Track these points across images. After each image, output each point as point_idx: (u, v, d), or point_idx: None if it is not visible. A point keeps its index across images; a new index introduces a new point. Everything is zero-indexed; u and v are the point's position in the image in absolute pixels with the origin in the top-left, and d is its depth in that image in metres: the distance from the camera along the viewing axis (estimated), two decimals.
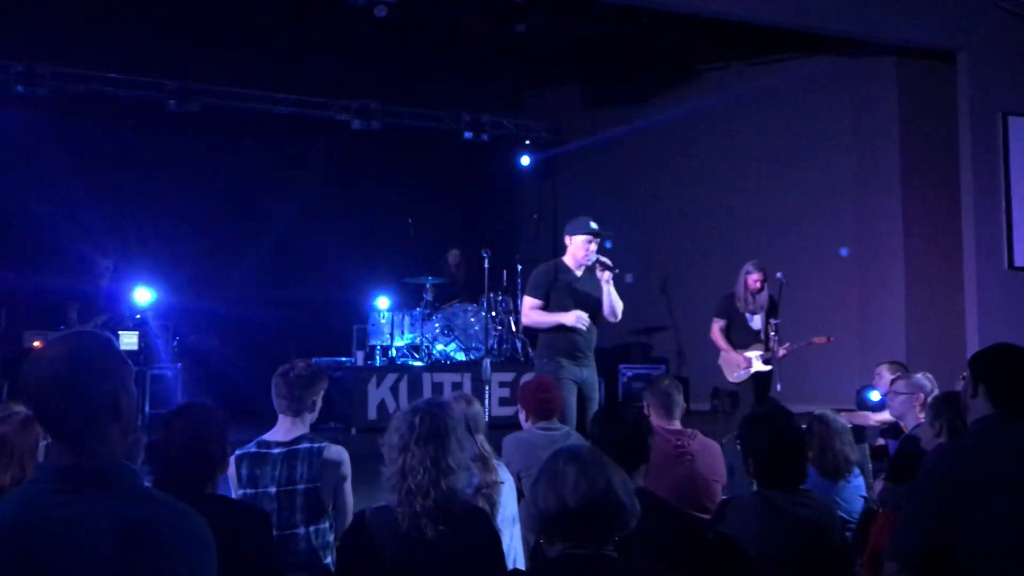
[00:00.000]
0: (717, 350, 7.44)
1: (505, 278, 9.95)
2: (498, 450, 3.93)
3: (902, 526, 2.63)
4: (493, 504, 3.48)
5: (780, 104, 10.20)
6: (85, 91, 10.05)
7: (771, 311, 7.36)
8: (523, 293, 9.44)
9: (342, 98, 11.19)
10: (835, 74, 10.09)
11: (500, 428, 5.42)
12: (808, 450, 3.26)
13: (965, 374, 2.88)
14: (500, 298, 9.54)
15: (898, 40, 9.27)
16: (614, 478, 2.16)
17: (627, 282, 6.05)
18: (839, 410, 4.40)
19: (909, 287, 9.53)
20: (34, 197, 9.04)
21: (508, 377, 8.71)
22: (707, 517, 3.48)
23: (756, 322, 7.39)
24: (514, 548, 3.53)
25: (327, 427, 7.87)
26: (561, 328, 5.53)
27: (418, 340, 9.25)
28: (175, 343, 8.97)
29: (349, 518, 3.49)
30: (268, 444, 3.47)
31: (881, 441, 5.74)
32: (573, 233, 5.68)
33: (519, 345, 9.41)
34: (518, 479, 3.83)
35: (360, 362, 8.93)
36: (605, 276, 5.53)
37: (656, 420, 3.89)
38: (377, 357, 9.05)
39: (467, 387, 8.37)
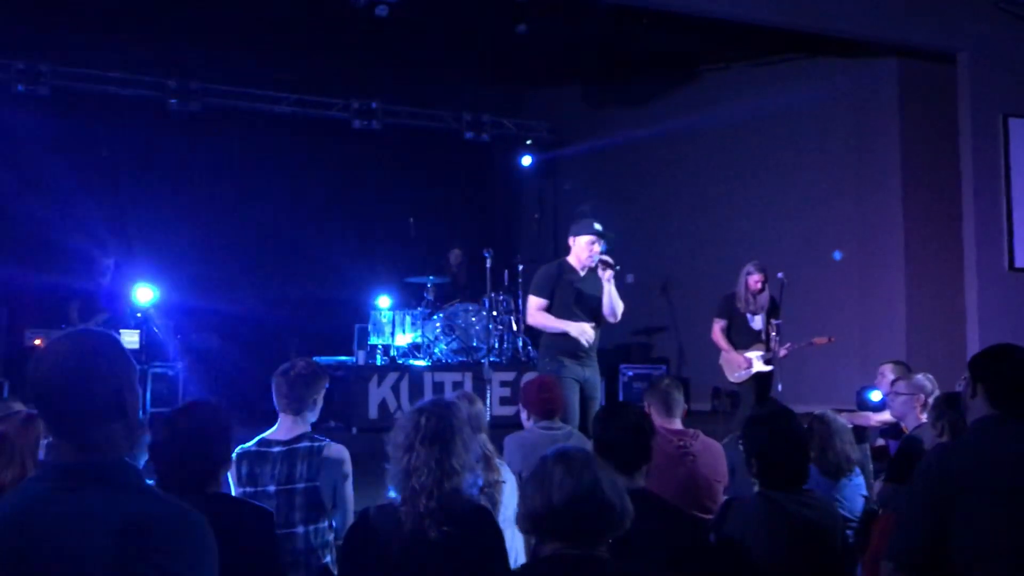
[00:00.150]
0: (718, 350, 7.44)
1: (506, 278, 9.95)
2: (499, 450, 3.94)
3: (899, 525, 2.63)
4: (495, 503, 3.48)
5: (781, 105, 10.19)
6: (86, 90, 10.05)
7: (772, 311, 7.37)
8: (524, 293, 9.51)
9: (343, 98, 11.19)
10: (836, 75, 10.09)
11: (501, 428, 5.43)
12: (809, 450, 3.26)
13: (967, 375, 2.88)
14: (501, 298, 9.54)
15: (899, 41, 9.26)
16: (602, 478, 2.16)
17: (628, 282, 6.06)
18: (840, 410, 4.40)
19: (910, 288, 9.53)
20: (36, 195, 9.04)
21: (509, 377, 8.72)
22: (709, 517, 3.49)
23: (757, 322, 7.39)
24: (516, 548, 3.53)
25: (328, 426, 7.87)
26: None
27: (419, 339, 9.25)
28: (177, 341, 8.98)
29: (350, 517, 3.49)
30: (268, 443, 3.47)
31: (881, 442, 5.75)
32: (577, 234, 5.74)
33: (520, 345, 9.41)
34: (519, 478, 3.84)
35: (361, 361, 8.93)
36: (607, 275, 5.58)
37: (657, 420, 3.89)
38: (378, 356, 9.04)
39: (468, 386, 8.37)
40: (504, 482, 3.59)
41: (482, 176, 12.22)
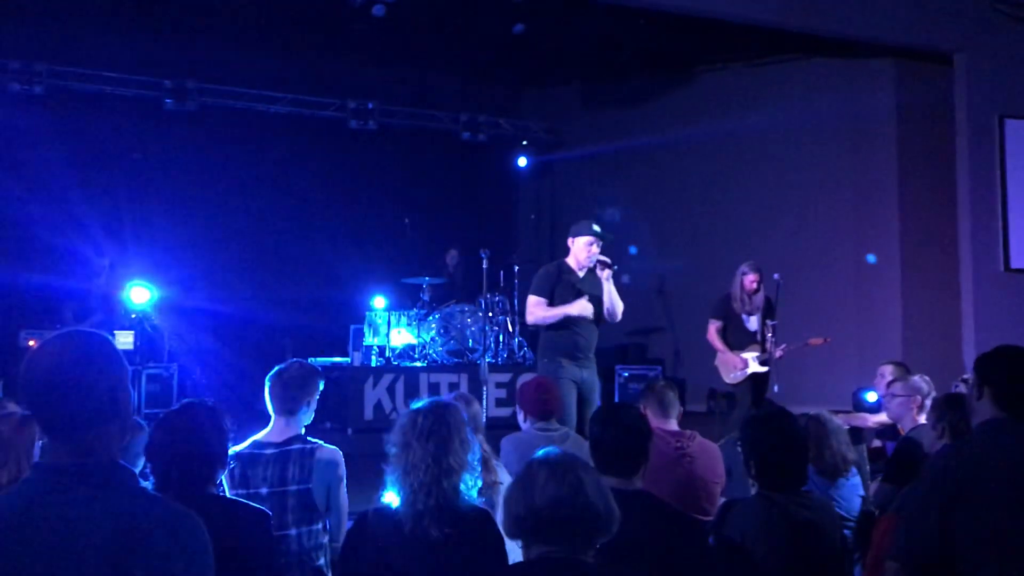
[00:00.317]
0: (714, 351, 7.44)
1: (502, 278, 9.94)
2: (495, 451, 3.93)
3: (905, 526, 2.62)
4: (493, 505, 3.47)
5: (778, 105, 10.21)
6: (82, 89, 10.03)
7: (767, 312, 7.36)
8: (520, 293, 9.51)
9: (340, 98, 11.18)
10: (833, 76, 10.10)
11: (496, 429, 5.43)
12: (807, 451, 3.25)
13: (967, 377, 2.88)
14: (497, 298, 9.53)
15: (896, 42, 9.28)
16: (586, 482, 2.15)
17: (623, 283, 6.09)
18: (836, 411, 4.40)
19: (906, 288, 9.55)
20: (30, 196, 9.02)
21: (505, 378, 8.71)
22: (706, 519, 3.48)
23: (752, 323, 7.39)
24: (516, 550, 3.52)
25: (323, 427, 7.86)
26: (562, 328, 5.64)
27: (415, 340, 9.24)
28: (171, 342, 8.96)
29: (343, 520, 3.48)
30: (261, 445, 3.45)
31: (878, 443, 5.75)
32: (576, 235, 5.81)
33: (516, 346, 9.40)
34: None
35: (357, 362, 8.92)
36: (605, 274, 5.65)
37: (653, 422, 3.87)
38: (374, 358, 9.03)
39: (464, 387, 8.35)
40: (501, 483, 3.58)
41: (478, 176, 12.21)
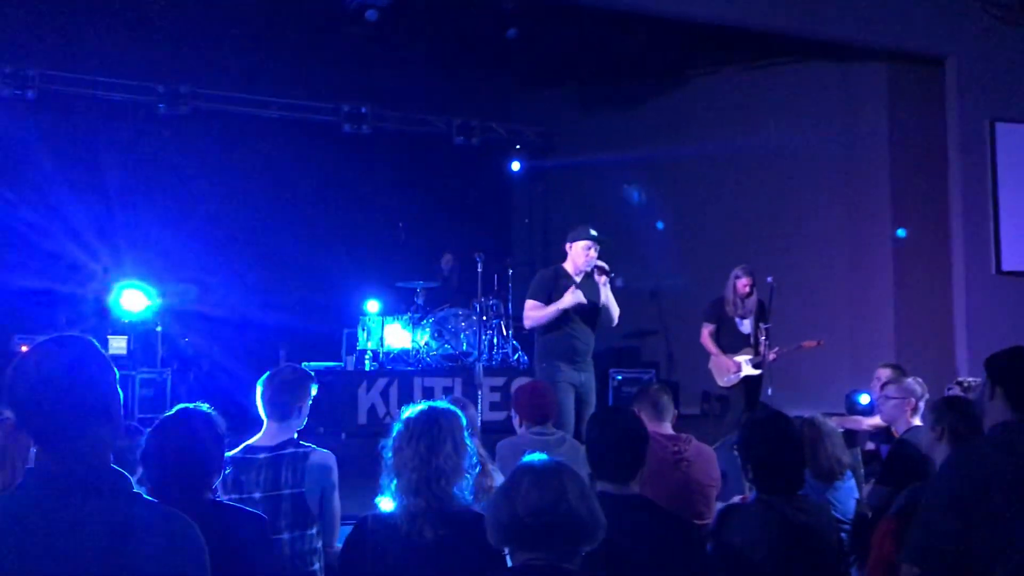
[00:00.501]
0: (707, 354, 7.46)
1: (496, 282, 9.93)
2: (491, 455, 3.93)
3: (921, 528, 2.62)
4: None
5: (770, 109, 10.22)
6: (74, 94, 10.00)
7: (761, 315, 7.38)
8: (514, 297, 9.50)
9: (333, 102, 11.17)
10: (825, 80, 10.12)
11: (490, 433, 5.43)
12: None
13: (962, 379, 2.88)
14: (491, 302, 9.52)
15: (887, 46, 9.31)
16: (569, 488, 2.13)
17: (617, 286, 6.13)
18: (830, 414, 4.41)
19: (898, 291, 9.56)
20: (23, 200, 8.99)
21: (499, 382, 8.69)
22: (703, 523, 3.48)
23: (746, 326, 7.41)
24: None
25: (317, 432, 7.84)
26: (559, 332, 5.68)
27: (409, 344, 9.22)
28: (165, 347, 8.92)
29: (336, 524, 3.47)
30: (253, 449, 3.44)
31: (871, 445, 5.77)
32: (574, 240, 5.86)
33: (511, 349, 9.39)
34: None
35: (350, 367, 8.89)
36: (602, 280, 5.71)
37: (648, 425, 3.87)
38: (367, 362, 9.00)
39: (458, 391, 8.34)
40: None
41: (472, 180, 12.21)
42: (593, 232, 5.83)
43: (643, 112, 11.31)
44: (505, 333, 9.47)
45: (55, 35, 9.40)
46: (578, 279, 5.82)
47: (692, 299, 8.85)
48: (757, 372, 7.21)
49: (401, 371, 8.82)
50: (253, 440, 3.50)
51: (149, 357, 8.63)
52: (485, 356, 8.98)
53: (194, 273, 9.96)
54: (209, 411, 2.82)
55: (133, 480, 1.71)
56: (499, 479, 3.67)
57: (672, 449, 3.88)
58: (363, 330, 9.22)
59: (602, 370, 9.53)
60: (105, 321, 8.38)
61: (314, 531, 3.43)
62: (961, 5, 9.07)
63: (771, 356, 7.20)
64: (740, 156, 10.54)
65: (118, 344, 8.05)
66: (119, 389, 1.75)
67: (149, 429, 2.76)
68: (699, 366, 7.73)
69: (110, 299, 8.50)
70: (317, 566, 3.41)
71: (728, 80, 10.82)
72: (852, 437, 5.39)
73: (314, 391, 3.63)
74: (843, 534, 3.58)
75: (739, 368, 7.22)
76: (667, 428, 4.10)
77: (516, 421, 4.29)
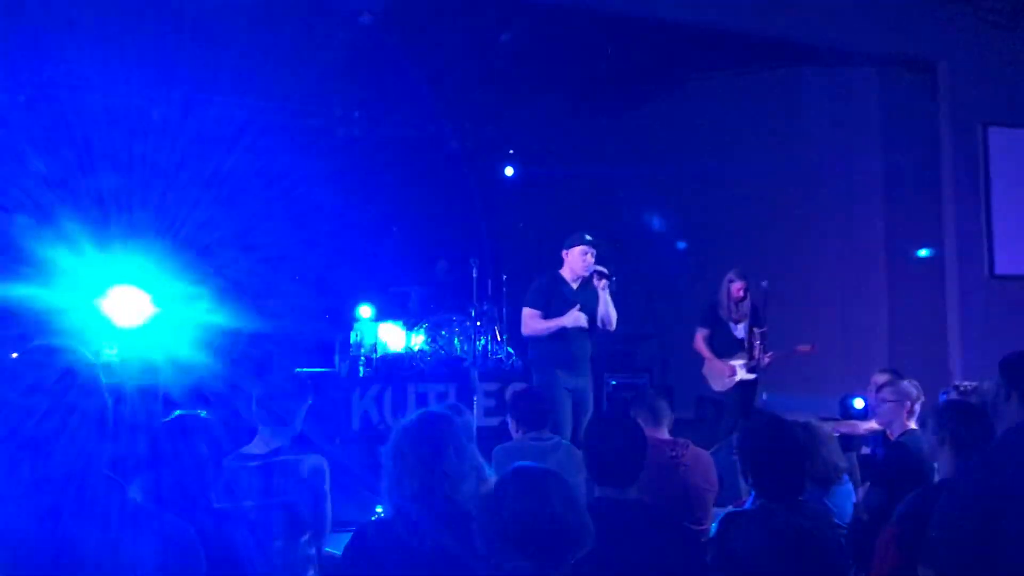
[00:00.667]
0: (701, 359, 7.45)
1: (490, 288, 9.92)
2: (487, 461, 3.92)
3: (940, 531, 2.60)
4: None
5: (763, 115, 10.25)
6: (66, 96, 9.95)
7: (755, 319, 7.38)
8: (508, 303, 9.49)
9: (326, 106, 11.15)
10: (818, 84, 10.15)
11: (486, 439, 5.42)
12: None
13: (958, 383, 2.87)
14: (485, 307, 9.51)
15: (879, 51, 9.34)
16: (554, 496, 2.11)
17: (612, 291, 6.16)
18: (825, 419, 4.41)
19: (892, 295, 9.58)
20: (15, 207, 8.93)
21: (494, 387, 8.67)
22: (700, 528, 3.47)
23: (740, 331, 7.41)
24: None
25: (310, 439, 7.79)
26: (555, 339, 5.68)
27: (403, 350, 9.20)
28: (157, 353, 8.87)
29: (327, 530, 3.45)
30: (246, 457, 3.42)
31: (867, 449, 5.77)
32: (570, 246, 5.89)
33: (505, 355, 9.37)
34: None
35: (344, 372, 8.86)
36: (601, 284, 5.73)
37: (646, 430, 3.87)
38: (361, 368, 8.97)
39: (453, 397, 8.32)
40: None
41: (466, 185, 12.20)
42: (588, 237, 5.87)
43: (636, 117, 11.33)
44: (499, 338, 9.45)
45: (43, 36, 9.35)
46: (575, 285, 5.85)
47: (686, 303, 8.85)
48: (752, 376, 7.21)
49: (395, 377, 8.79)
50: (245, 447, 3.48)
51: (142, 364, 8.57)
52: (480, 362, 8.97)
53: (185, 277, 9.91)
54: (206, 418, 2.80)
55: (134, 488, 1.70)
56: None
57: (670, 454, 3.88)
58: (356, 335, 9.19)
59: (596, 375, 9.52)
60: (97, 329, 8.33)
61: (307, 538, 3.40)
62: (952, 10, 9.09)
63: (765, 360, 7.20)
64: (732, 161, 10.56)
65: (110, 352, 7.99)
66: (108, 398, 1.74)
67: (145, 436, 2.73)
68: (693, 370, 7.72)
69: (102, 306, 8.45)
70: (311, 574, 3.39)
71: (720, 86, 10.84)
72: (848, 441, 5.39)
73: (309, 401, 3.61)
74: (841, 539, 3.56)
75: (734, 372, 7.22)
76: (664, 433, 4.10)
77: (513, 427, 4.28)
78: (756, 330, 7.29)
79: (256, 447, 3.46)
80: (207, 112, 10.60)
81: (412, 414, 2.76)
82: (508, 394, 7.50)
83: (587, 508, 2.41)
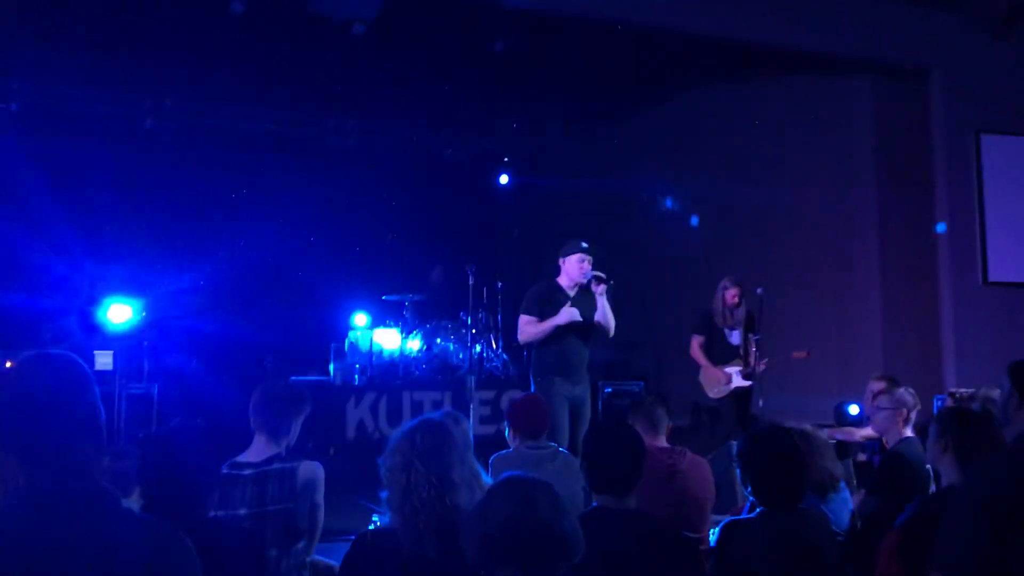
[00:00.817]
0: (697, 366, 7.44)
1: (486, 295, 9.92)
2: (484, 469, 3.90)
3: (950, 535, 2.59)
4: None
5: (756, 122, 10.26)
6: (60, 108, 9.94)
7: (750, 326, 7.39)
8: (503, 310, 9.49)
9: (320, 116, 11.15)
10: (810, 93, 10.17)
11: (482, 447, 5.40)
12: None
13: (954, 391, 2.86)
14: (481, 315, 9.50)
15: (872, 59, 9.36)
16: (541, 504, 2.09)
17: (610, 296, 6.18)
18: (821, 425, 4.40)
19: (886, 302, 9.59)
20: (7, 214, 8.92)
21: (490, 395, 8.66)
22: (698, 536, 3.46)
23: (735, 337, 7.41)
24: None
25: (306, 447, 7.76)
26: (553, 346, 5.68)
27: (398, 358, 9.18)
28: (151, 362, 8.84)
29: (317, 537, 3.44)
30: (240, 465, 3.41)
31: (863, 456, 5.77)
32: (567, 255, 5.90)
33: (501, 363, 9.36)
34: None
35: (339, 381, 8.84)
36: (600, 289, 5.71)
37: (644, 438, 3.86)
38: (356, 376, 8.95)
39: (448, 405, 8.30)
40: None
41: (460, 194, 12.21)
42: (584, 244, 5.88)
43: (630, 124, 11.34)
44: (495, 346, 9.44)
45: (38, 48, 9.35)
46: (572, 293, 5.83)
47: (681, 310, 8.84)
48: (748, 383, 7.21)
49: (390, 385, 8.77)
50: (240, 455, 3.46)
51: (136, 372, 8.55)
52: (475, 370, 8.95)
53: (180, 286, 9.90)
54: (203, 428, 2.79)
55: (130, 498, 1.69)
56: None
57: (667, 462, 3.87)
58: (351, 344, 9.17)
59: (591, 382, 9.51)
60: (90, 336, 8.30)
61: (301, 546, 3.39)
62: (945, 17, 9.13)
63: (761, 367, 7.19)
64: (726, 168, 10.57)
65: (104, 359, 7.97)
66: (100, 406, 1.73)
67: (141, 446, 2.72)
68: (689, 377, 7.72)
69: (96, 313, 8.43)
70: None
71: (714, 94, 10.86)
72: (844, 448, 5.38)
73: (307, 411, 3.60)
74: (840, 547, 3.56)
75: (730, 379, 7.22)
76: (662, 441, 4.09)
77: (510, 435, 4.26)
78: (751, 337, 7.29)
79: (251, 455, 3.45)
80: (201, 122, 10.60)
81: (410, 421, 2.75)
82: (505, 402, 7.50)
83: (585, 517, 2.40)
